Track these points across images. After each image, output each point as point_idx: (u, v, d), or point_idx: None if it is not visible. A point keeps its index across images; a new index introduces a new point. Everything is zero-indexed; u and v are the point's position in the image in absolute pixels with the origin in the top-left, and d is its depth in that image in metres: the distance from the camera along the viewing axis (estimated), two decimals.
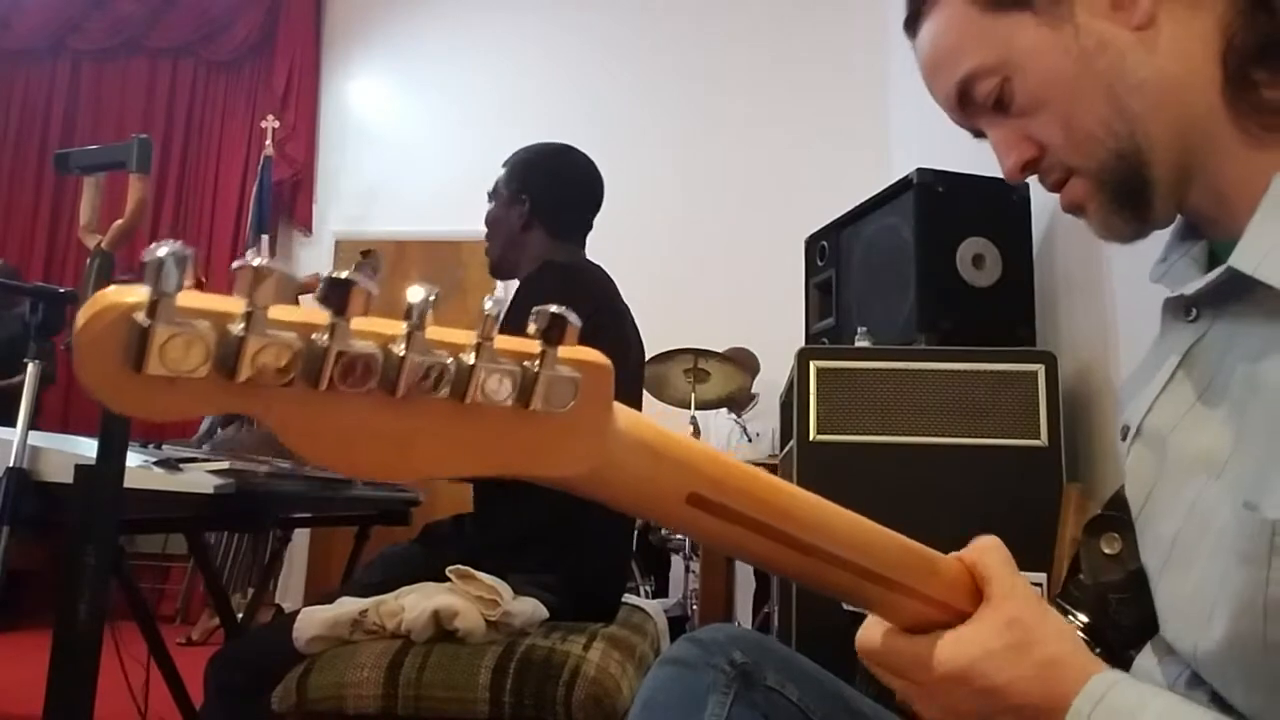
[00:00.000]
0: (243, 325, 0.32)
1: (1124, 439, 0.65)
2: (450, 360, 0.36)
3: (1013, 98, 0.62)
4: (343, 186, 5.02)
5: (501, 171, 1.72)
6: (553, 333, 0.38)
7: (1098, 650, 0.63)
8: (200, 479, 1.33)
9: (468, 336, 0.37)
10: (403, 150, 5.00)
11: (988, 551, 0.56)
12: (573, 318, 0.38)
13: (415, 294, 0.35)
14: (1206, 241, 0.64)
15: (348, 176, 5.06)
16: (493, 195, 1.73)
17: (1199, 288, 0.58)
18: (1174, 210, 0.62)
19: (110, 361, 0.31)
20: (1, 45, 5.31)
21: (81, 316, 0.31)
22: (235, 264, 0.32)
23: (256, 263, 0.32)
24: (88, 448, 1.23)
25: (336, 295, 0.33)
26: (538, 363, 0.38)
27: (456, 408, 0.37)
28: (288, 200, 4.99)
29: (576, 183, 1.74)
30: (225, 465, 1.45)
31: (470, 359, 0.37)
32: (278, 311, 0.33)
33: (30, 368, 1.38)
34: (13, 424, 1.24)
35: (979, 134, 0.68)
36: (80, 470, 1.17)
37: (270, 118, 5.03)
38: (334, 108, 5.20)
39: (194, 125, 5.28)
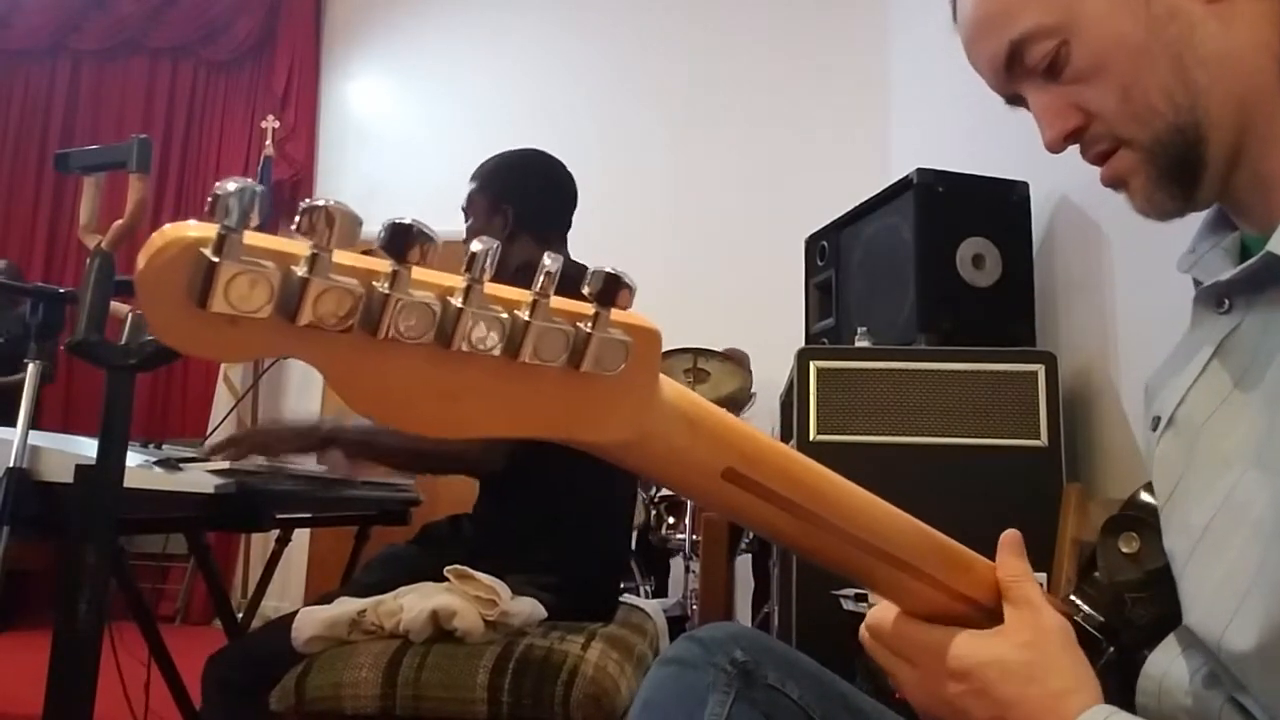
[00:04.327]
0: (306, 268, 0.32)
1: (1154, 429, 0.64)
2: (505, 316, 0.36)
3: (1068, 62, 0.60)
4: (343, 186, 5.02)
5: (471, 185, 1.71)
6: (606, 294, 0.37)
7: (1110, 650, 0.63)
8: (201, 479, 1.33)
9: (523, 294, 0.37)
10: (403, 150, 5.00)
11: (1026, 579, 0.58)
12: (628, 280, 0.38)
13: (478, 245, 0.35)
14: (1239, 234, 0.63)
15: (348, 176, 5.06)
16: (467, 210, 1.71)
17: (1234, 274, 0.57)
18: (1218, 192, 0.61)
19: (175, 296, 0.31)
20: (1, 45, 5.31)
21: (145, 251, 0.31)
22: (303, 203, 0.32)
23: (322, 203, 0.32)
24: (88, 448, 1.23)
25: (399, 242, 0.33)
26: (591, 324, 0.38)
27: (508, 365, 0.37)
28: (288, 200, 4.99)
29: (554, 184, 1.74)
30: (226, 465, 1.45)
31: (525, 316, 0.36)
32: (341, 256, 0.33)
33: (30, 368, 1.38)
34: (13, 424, 1.24)
35: (1014, 101, 0.66)
36: (80, 470, 1.16)
37: (270, 118, 5.02)
38: (334, 108, 5.20)
39: (194, 125, 5.27)
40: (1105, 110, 0.60)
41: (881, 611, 0.60)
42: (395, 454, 1.55)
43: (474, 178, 1.72)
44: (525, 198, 1.68)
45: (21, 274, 4.28)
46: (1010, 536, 0.60)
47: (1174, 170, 0.59)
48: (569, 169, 1.76)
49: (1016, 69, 0.63)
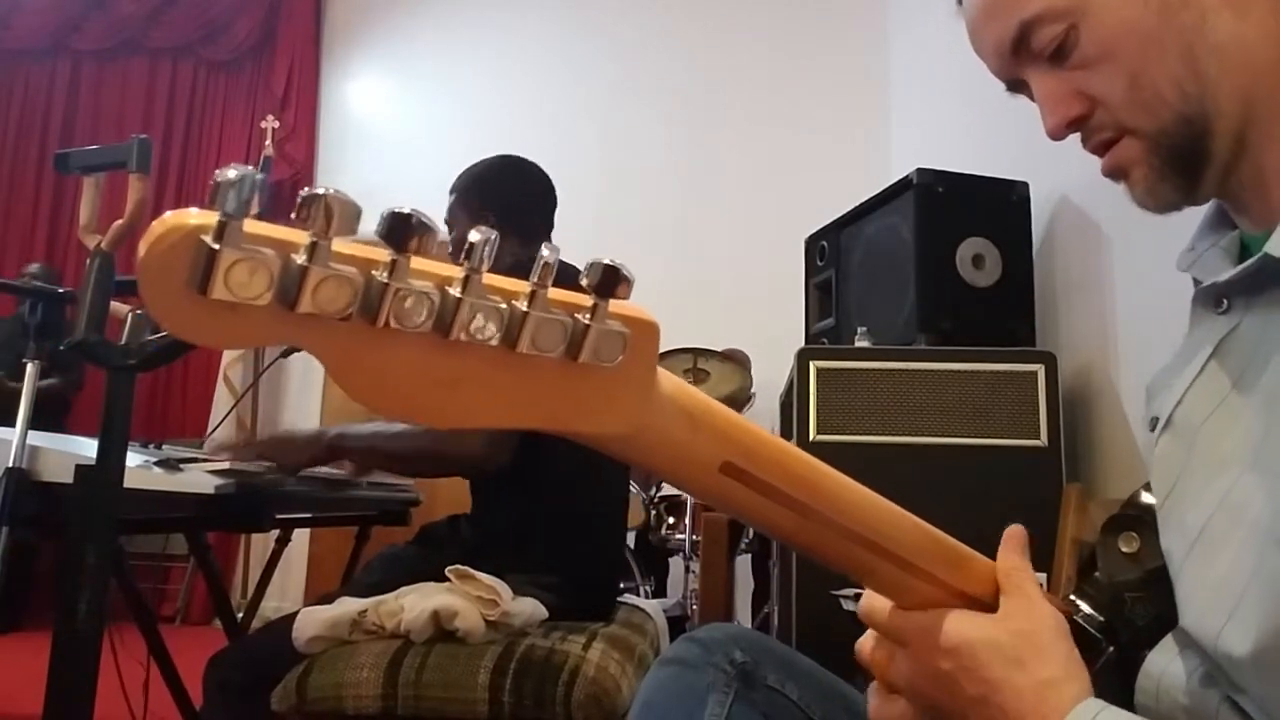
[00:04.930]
0: (306, 256, 0.32)
1: (1152, 430, 0.63)
2: (504, 306, 0.36)
3: (1075, 47, 0.59)
4: (343, 186, 4.91)
5: (450, 198, 1.73)
6: (605, 286, 0.37)
7: (1110, 649, 0.63)
8: (201, 479, 1.33)
9: (521, 285, 0.37)
10: (403, 150, 5.00)
11: (1024, 572, 0.57)
12: (627, 271, 0.38)
13: (477, 235, 0.35)
14: (1238, 232, 0.62)
15: (348, 176, 5.06)
16: (450, 223, 1.72)
17: (1232, 276, 0.57)
18: (1218, 187, 0.60)
19: (175, 283, 0.31)
20: (1, 45, 5.31)
21: (147, 238, 0.31)
22: (303, 193, 0.32)
23: (322, 192, 0.32)
24: (88, 448, 1.23)
25: (398, 232, 0.33)
26: (589, 315, 0.38)
27: (506, 355, 0.37)
28: (288, 200, 4.99)
29: (532, 185, 1.76)
30: (226, 465, 1.45)
31: (524, 306, 0.37)
32: (340, 245, 0.33)
33: (29, 368, 1.38)
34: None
35: (1015, 87, 0.65)
36: (80, 470, 1.16)
37: (270, 118, 5.02)
38: (334, 108, 5.20)
39: (194, 125, 5.27)
40: (1111, 98, 0.59)
41: (873, 600, 0.59)
42: (400, 458, 1.56)
43: (452, 190, 1.74)
44: (506, 200, 1.70)
45: (57, 277, 4.30)
46: (1015, 531, 0.59)
47: (1178, 161, 0.58)
48: (544, 169, 1.78)
49: (1022, 53, 0.62)
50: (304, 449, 1.57)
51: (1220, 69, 0.56)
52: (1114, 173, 0.62)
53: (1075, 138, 0.63)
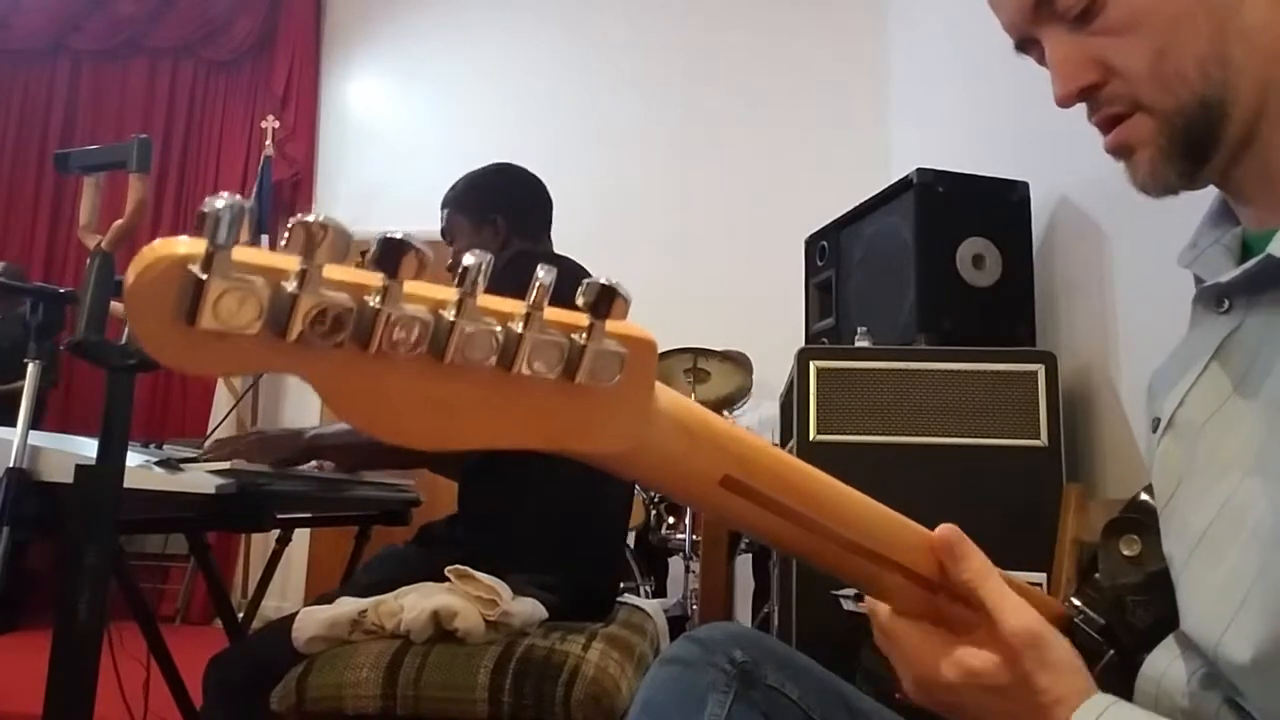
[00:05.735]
0: (296, 283, 0.32)
1: (1154, 431, 0.63)
2: (499, 328, 0.36)
3: (1102, 11, 0.57)
4: (343, 186, 5.02)
5: (445, 210, 1.72)
6: (601, 306, 0.37)
7: (1111, 652, 0.63)
8: (201, 479, 1.33)
9: (517, 305, 0.37)
10: (403, 150, 5.00)
11: (982, 578, 0.55)
12: (624, 291, 0.37)
13: (470, 259, 0.35)
14: (1240, 229, 0.61)
15: (348, 176, 5.06)
16: (449, 234, 1.72)
17: (1233, 276, 0.56)
18: (1220, 175, 0.59)
19: (163, 313, 0.31)
20: (1, 45, 5.31)
21: (134, 267, 0.31)
22: (291, 220, 0.31)
23: (312, 219, 0.31)
24: (88, 448, 1.23)
25: (391, 257, 0.33)
26: (585, 335, 0.38)
27: (502, 377, 0.37)
28: (288, 200, 4.99)
29: (532, 189, 1.77)
30: (226, 465, 1.45)
31: (519, 328, 0.36)
32: (332, 271, 0.33)
33: (30, 368, 1.38)
34: (14, 424, 1.25)
35: (1025, 46, 0.63)
36: (80, 470, 1.16)
37: (270, 118, 5.03)
38: (334, 108, 5.20)
39: (194, 125, 5.28)
40: (1131, 70, 0.57)
41: (873, 602, 0.60)
42: (375, 450, 1.57)
43: (446, 204, 1.74)
44: (509, 202, 1.71)
45: (24, 275, 4.28)
46: (948, 533, 0.56)
47: (1187, 145, 0.57)
48: (541, 170, 1.79)
49: (1043, 10, 0.60)
50: (280, 448, 1.58)
51: (1247, 55, 0.55)
52: (1118, 149, 0.60)
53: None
